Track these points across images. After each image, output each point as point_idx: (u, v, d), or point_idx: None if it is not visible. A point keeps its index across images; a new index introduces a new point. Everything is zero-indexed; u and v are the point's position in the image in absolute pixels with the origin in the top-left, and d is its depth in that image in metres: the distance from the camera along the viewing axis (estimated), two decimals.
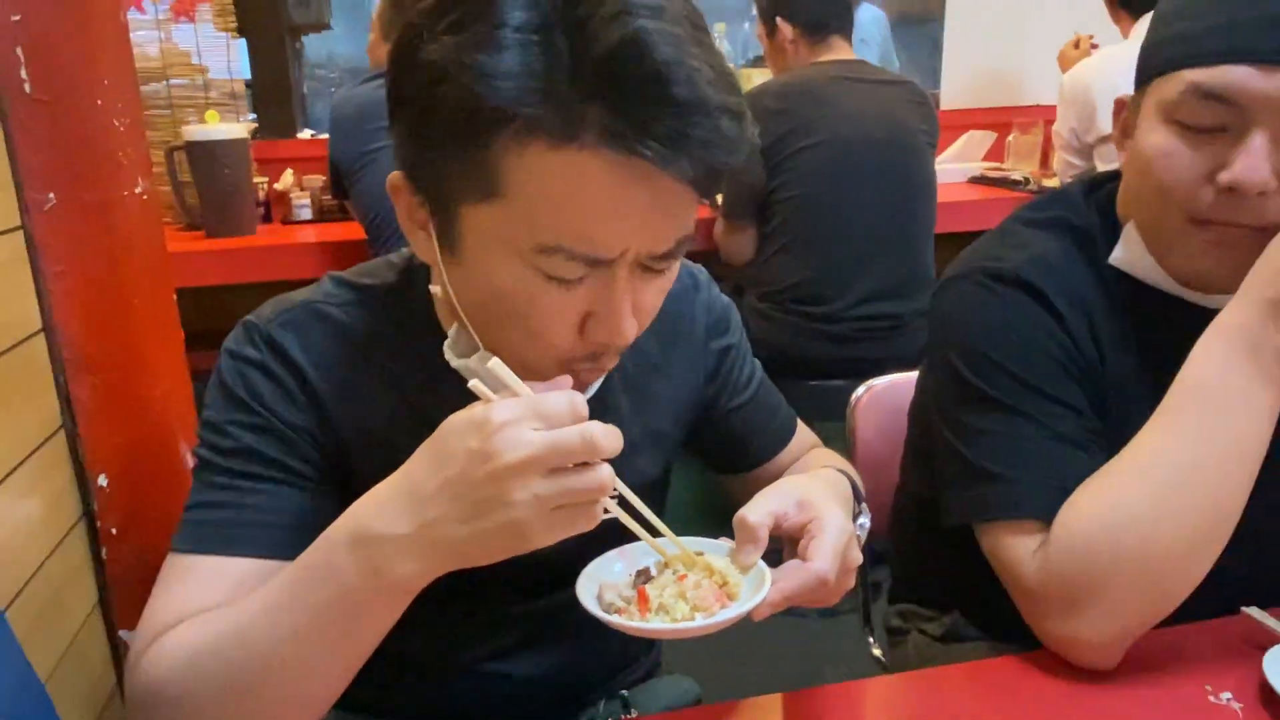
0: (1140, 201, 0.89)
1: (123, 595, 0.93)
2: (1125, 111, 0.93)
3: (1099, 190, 1.00)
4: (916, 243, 2.31)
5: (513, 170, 0.61)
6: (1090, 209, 0.97)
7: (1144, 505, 0.78)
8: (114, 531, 0.93)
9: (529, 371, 0.75)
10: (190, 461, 1.01)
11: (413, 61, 0.63)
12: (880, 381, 1.32)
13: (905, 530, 1.21)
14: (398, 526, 0.60)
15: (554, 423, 0.57)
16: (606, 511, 0.61)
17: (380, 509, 0.62)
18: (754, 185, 2.25)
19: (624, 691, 0.98)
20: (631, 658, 1.00)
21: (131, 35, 2.79)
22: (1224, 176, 0.81)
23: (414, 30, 0.63)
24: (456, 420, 0.60)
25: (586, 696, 0.95)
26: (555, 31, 0.59)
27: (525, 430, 0.56)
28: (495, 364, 0.61)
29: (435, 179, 0.66)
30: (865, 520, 0.85)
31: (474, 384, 0.61)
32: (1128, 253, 0.92)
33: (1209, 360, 0.78)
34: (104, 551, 0.92)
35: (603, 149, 0.59)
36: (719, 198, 2.41)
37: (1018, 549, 0.85)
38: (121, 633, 0.94)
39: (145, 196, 0.97)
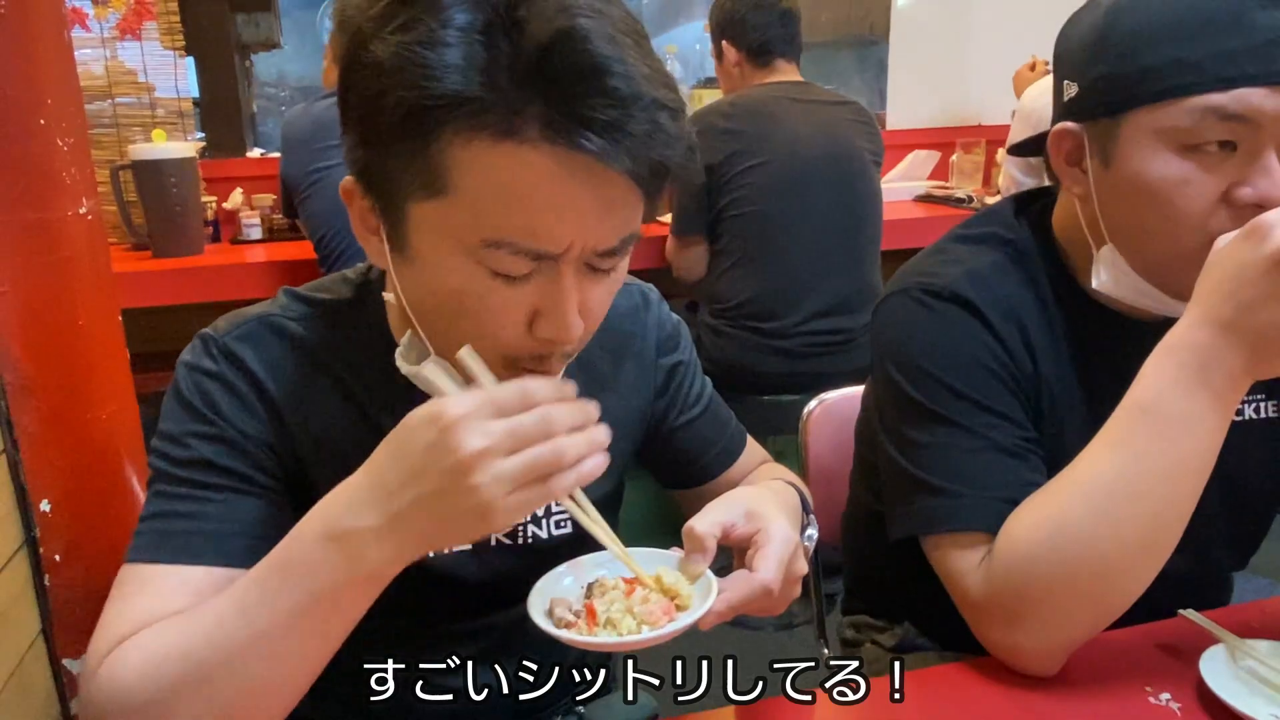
0: (1138, 229, 0.88)
1: (67, 623, 0.91)
2: (1069, 141, 0.91)
3: (1029, 207, 1.02)
4: (865, 259, 2.36)
5: (457, 165, 0.62)
6: (1022, 225, 1.00)
7: (1088, 521, 0.79)
8: (57, 558, 0.91)
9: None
10: (137, 486, 0.99)
11: (360, 62, 0.64)
12: (831, 395, 1.33)
13: (856, 543, 1.23)
14: (367, 519, 0.62)
15: (507, 412, 0.59)
16: (572, 498, 0.64)
17: (349, 504, 0.63)
18: (699, 196, 2.28)
19: (579, 708, 0.98)
20: (586, 672, 1.00)
21: (77, 53, 2.74)
22: (1249, 194, 0.82)
23: (362, 35, 0.64)
24: (415, 415, 0.61)
25: (541, 713, 0.95)
26: (497, 32, 0.61)
27: (482, 421, 0.58)
28: (465, 352, 0.64)
29: (384, 178, 0.67)
30: (813, 532, 0.87)
31: (428, 370, 0.65)
32: (1110, 277, 0.92)
33: (1159, 379, 0.78)
34: (47, 579, 0.91)
35: (543, 143, 0.60)
36: (669, 215, 2.44)
37: (962, 561, 0.86)
38: (66, 661, 0.92)
39: (90, 216, 0.95)
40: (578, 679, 1.00)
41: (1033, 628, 0.81)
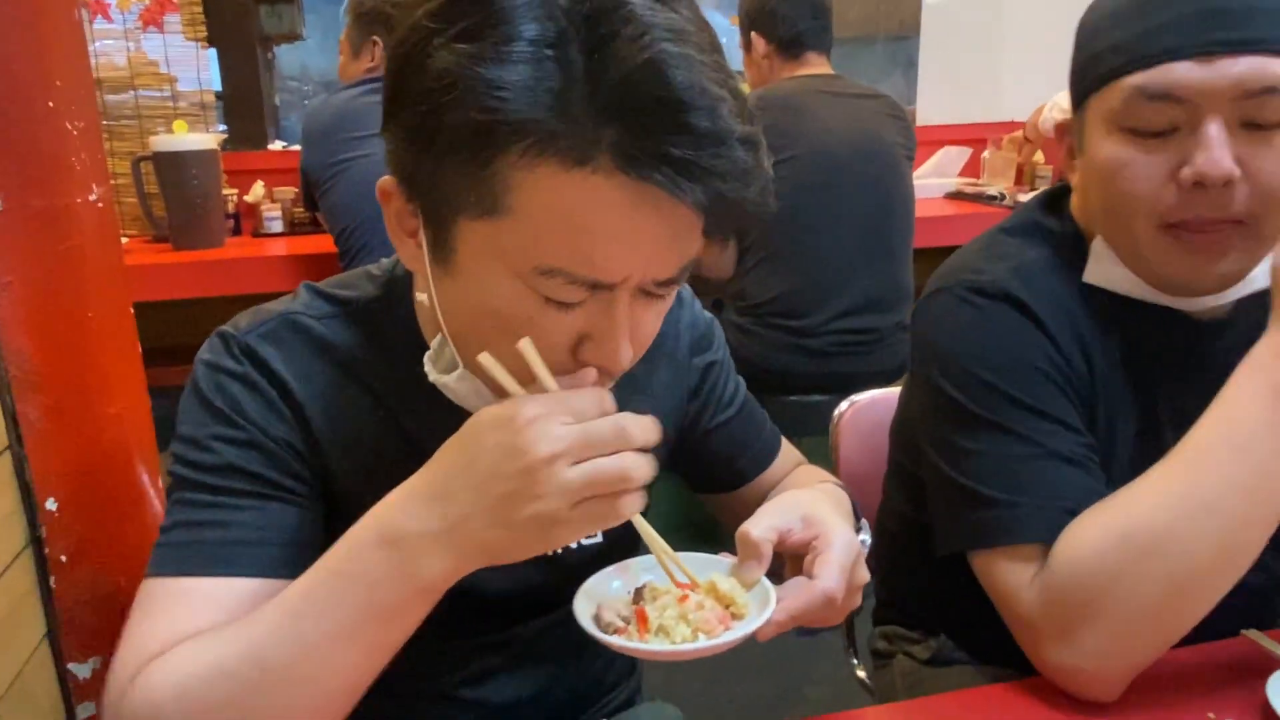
0: (1106, 216, 0.87)
1: (73, 626, 0.89)
2: (1069, 136, 0.91)
3: (1061, 200, 0.98)
4: (895, 256, 2.30)
5: (520, 189, 0.59)
6: (1065, 216, 0.96)
7: (1160, 534, 0.75)
8: (63, 559, 0.88)
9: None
10: (149, 485, 0.96)
11: (418, 65, 0.60)
12: (862, 397, 1.30)
13: (889, 551, 1.18)
14: (427, 524, 0.59)
15: (583, 417, 0.58)
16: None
17: (407, 507, 0.61)
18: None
19: (604, 719, 0.94)
20: (611, 684, 0.97)
21: (98, 44, 2.74)
22: (1187, 173, 0.79)
23: (420, 33, 0.60)
24: (485, 415, 0.60)
25: None
26: (571, 47, 0.57)
27: (555, 425, 0.57)
28: (525, 344, 0.61)
29: (432, 189, 0.63)
30: (866, 537, 0.83)
31: (495, 369, 0.62)
32: (1100, 268, 0.90)
33: (1239, 394, 0.76)
34: (53, 580, 0.88)
35: (616, 174, 0.57)
36: None
37: (1016, 575, 0.82)
38: (71, 666, 0.89)
39: (100, 204, 0.92)
40: (604, 689, 0.97)
41: (1094, 646, 0.77)
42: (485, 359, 0.62)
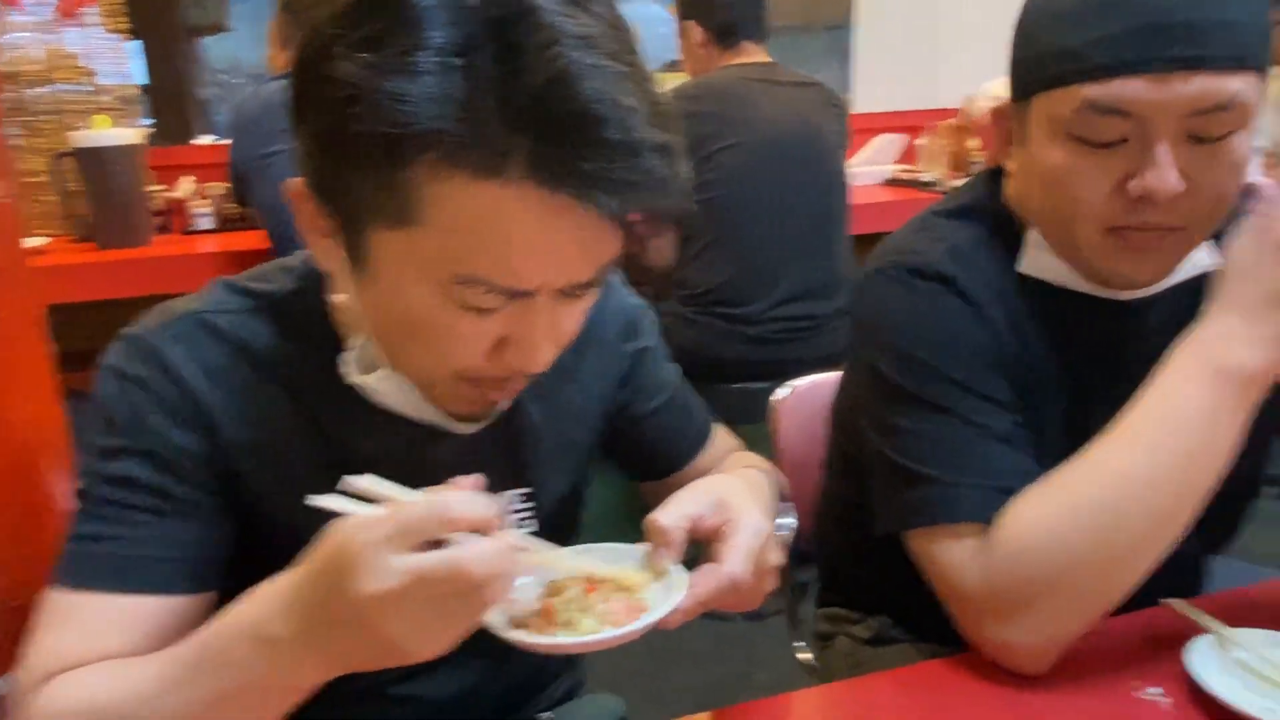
0: (1048, 215, 0.88)
1: None
2: (1005, 122, 0.91)
3: (992, 183, 0.98)
4: (833, 243, 2.32)
5: (431, 200, 0.58)
6: (997, 197, 0.96)
7: (1097, 514, 0.77)
8: None
9: (433, 388, 0.71)
10: (62, 492, 0.93)
11: (322, 73, 0.58)
12: (802, 382, 1.30)
13: (830, 534, 1.19)
14: (292, 630, 0.57)
15: (423, 533, 0.53)
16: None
17: (273, 607, 0.58)
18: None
19: (543, 713, 0.93)
20: (551, 676, 0.96)
21: (12, 36, 2.61)
22: (1135, 186, 0.79)
23: (323, 39, 0.58)
24: (330, 533, 0.55)
25: (509, 717, 0.90)
26: (480, 54, 0.55)
27: (386, 559, 0.52)
28: (368, 481, 0.57)
29: (344, 196, 0.62)
30: (790, 520, 0.83)
31: (330, 500, 0.56)
32: (1035, 259, 0.91)
33: (1178, 375, 0.77)
34: None
35: (529, 184, 0.56)
36: None
37: (954, 553, 0.83)
38: None
39: (5, 201, 0.88)
40: (544, 681, 0.96)
41: (1029, 623, 0.78)
42: (369, 481, 0.57)
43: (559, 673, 0.97)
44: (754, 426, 1.30)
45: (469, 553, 0.53)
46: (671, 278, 2.34)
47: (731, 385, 2.23)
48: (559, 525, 0.85)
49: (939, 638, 0.89)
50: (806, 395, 1.29)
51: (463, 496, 0.55)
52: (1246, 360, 0.75)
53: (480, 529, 0.54)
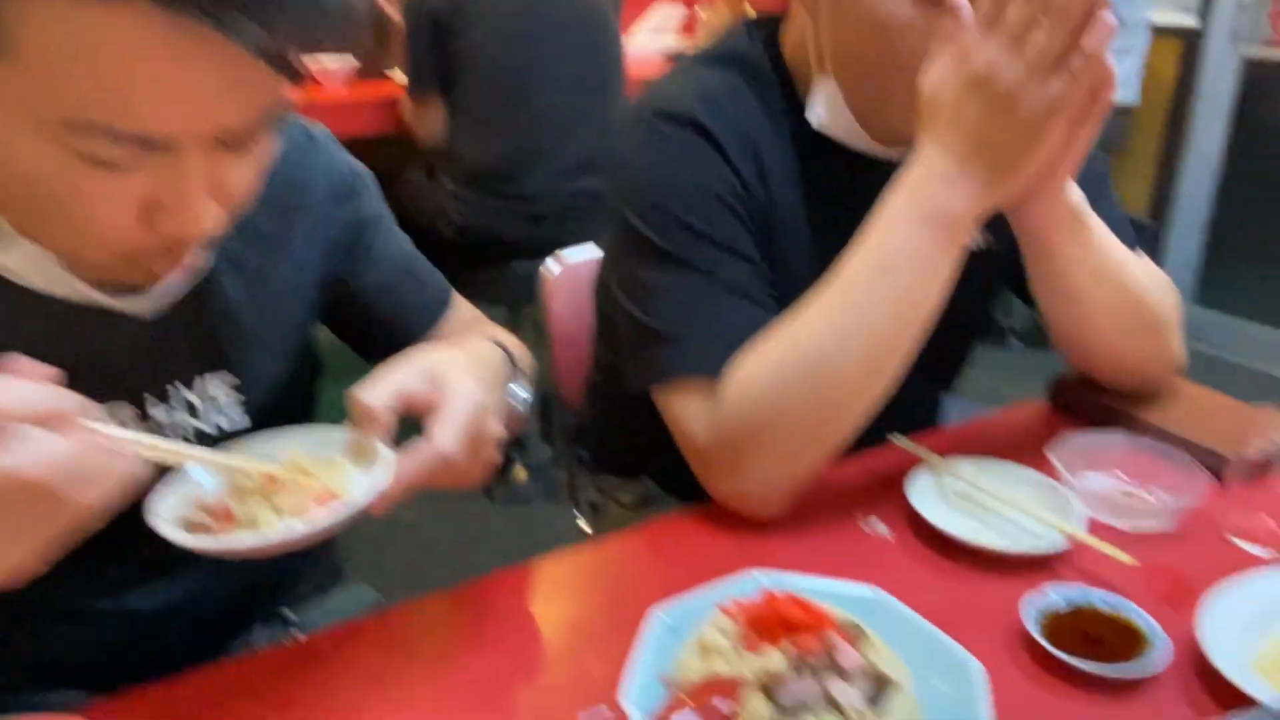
0: (860, 67, 0.85)
1: None
2: None
3: (763, 29, 0.96)
4: (611, 114, 2.26)
5: (20, 20, 0.48)
6: (755, 44, 0.94)
7: (811, 361, 0.77)
8: None
9: (84, 267, 0.62)
10: None
11: None
12: (574, 257, 1.27)
13: (596, 402, 1.18)
14: None
15: None
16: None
17: None
18: (430, 50, 2.11)
19: (286, 611, 0.88)
20: (292, 574, 0.90)
21: None
22: None
23: None
24: None
25: (236, 623, 0.84)
26: None
27: None
28: None
29: None
30: (523, 392, 0.79)
31: None
32: (828, 113, 0.89)
33: (886, 219, 0.77)
34: None
35: (146, 6, 0.48)
36: (401, 73, 2.23)
37: (689, 408, 0.83)
38: None
39: None
40: (286, 581, 0.90)
41: (755, 472, 0.80)
42: None
43: (301, 569, 0.91)
44: (536, 307, 1.26)
45: (22, 456, 0.46)
46: (442, 154, 2.23)
47: (513, 264, 2.17)
48: (277, 415, 0.77)
49: (702, 496, 0.90)
50: (578, 270, 1.25)
51: (7, 384, 0.47)
52: (956, 204, 0.76)
53: (45, 423, 0.47)
